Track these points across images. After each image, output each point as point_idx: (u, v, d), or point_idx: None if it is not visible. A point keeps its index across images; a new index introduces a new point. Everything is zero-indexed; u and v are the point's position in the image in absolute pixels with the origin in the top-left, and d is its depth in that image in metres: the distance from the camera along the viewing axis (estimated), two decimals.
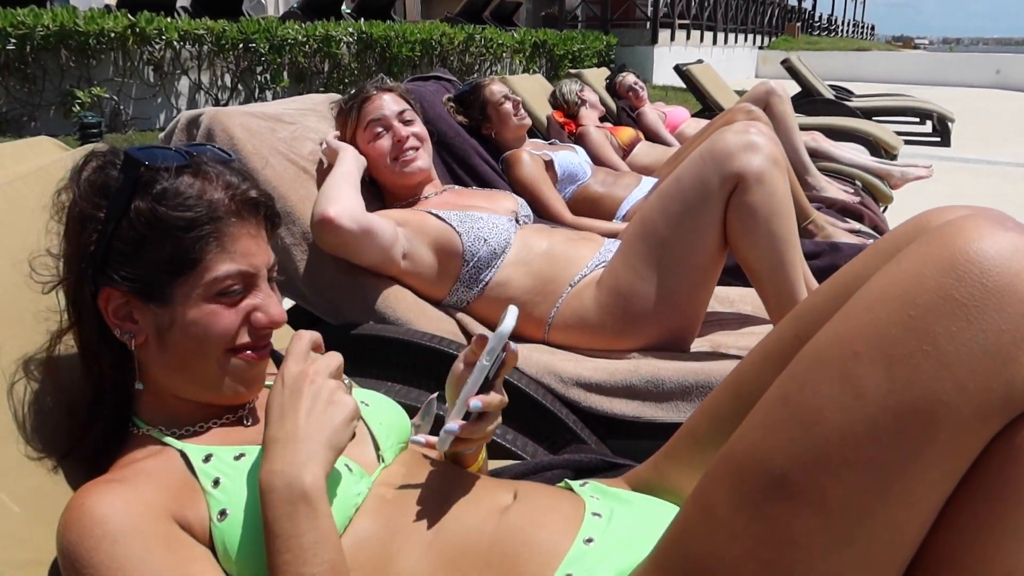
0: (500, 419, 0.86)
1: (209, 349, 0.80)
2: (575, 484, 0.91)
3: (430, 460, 0.90)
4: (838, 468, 0.57)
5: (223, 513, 0.74)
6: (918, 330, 0.57)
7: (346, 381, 0.82)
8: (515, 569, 0.76)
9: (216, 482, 0.76)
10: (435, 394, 0.88)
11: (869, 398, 0.57)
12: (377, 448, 0.89)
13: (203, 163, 0.81)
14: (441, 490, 0.83)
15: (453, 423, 0.80)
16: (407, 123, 1.75)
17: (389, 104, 1.74)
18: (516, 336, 1.60)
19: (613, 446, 1.41)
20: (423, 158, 1.75)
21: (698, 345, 1.60)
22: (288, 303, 1.63)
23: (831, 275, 0.82)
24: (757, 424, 0.63)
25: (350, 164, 1.60)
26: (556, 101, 3.44)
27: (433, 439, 0.83)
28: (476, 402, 0.79)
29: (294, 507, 0.70)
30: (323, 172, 1.69)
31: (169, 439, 0.81)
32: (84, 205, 0.78)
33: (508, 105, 2.50)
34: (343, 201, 1.46)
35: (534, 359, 1.48)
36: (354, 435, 0.79)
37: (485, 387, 0.81)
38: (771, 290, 1.49)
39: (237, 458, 0.78)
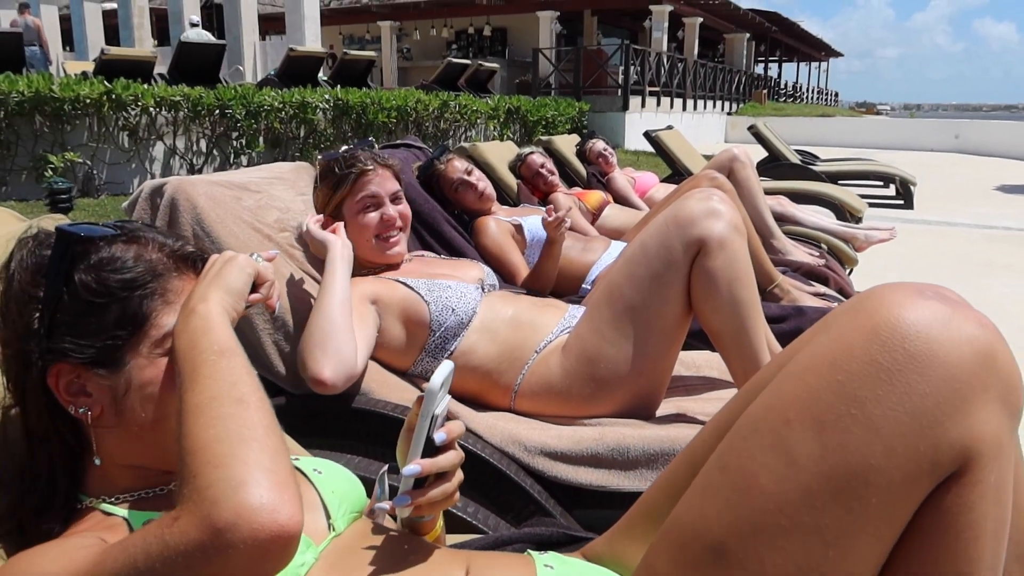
0: (460, 477, 0.83)
1: (168, 409, 0.77)
2: (535, 553, 0.89)
3: (383, 531, 0.87)
4: (774, 536, 0.58)
5: None
6: (846, 395, 0.59)
7: (253, 256, 0.89)
8: None
9: None
10: (386, 466, 0.86)
11: (801, 464, 0.58)
12: (328, 517, 0.86)
13: (135, 230, 0.83)
14: (391, 564, 0.81)
15: (404, 494, 0.78)
16: (396, 202, 1.73)
17: (385, 182, 1.70)
18: (482, 404, 1.60)
19: (579, 517, 1.38)
20: (403, 242, 1.73)
21: (664, 410, 1.60)
22: None
23: (796, 339, 0.83)
24: (697, 493, 0.64)
25: (342, 280, 1.47)
26: (516, 173, 3.50)
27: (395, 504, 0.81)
28: (413, 467, 0.77)
29: (185, 323, 0.74)
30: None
31: (112, 507, 0.79)
32: (21, 287, 0.78)
33: (463, 191, 2.53)
34: (339, 356, 1.37)
35: (499, 428, 1.46)
36: (256, 289, 0.86)
37: (430, 449, 0.78)
38: (734, 354, 1.49)
39: None
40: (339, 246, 1.54)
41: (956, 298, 0.64)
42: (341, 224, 1.62)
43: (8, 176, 6.22)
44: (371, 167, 1.69)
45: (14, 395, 0.79)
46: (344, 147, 1.73)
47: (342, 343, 1.39)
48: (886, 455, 0.56)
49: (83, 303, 0.77)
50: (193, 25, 12.41)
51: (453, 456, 0.81)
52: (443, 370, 0.78)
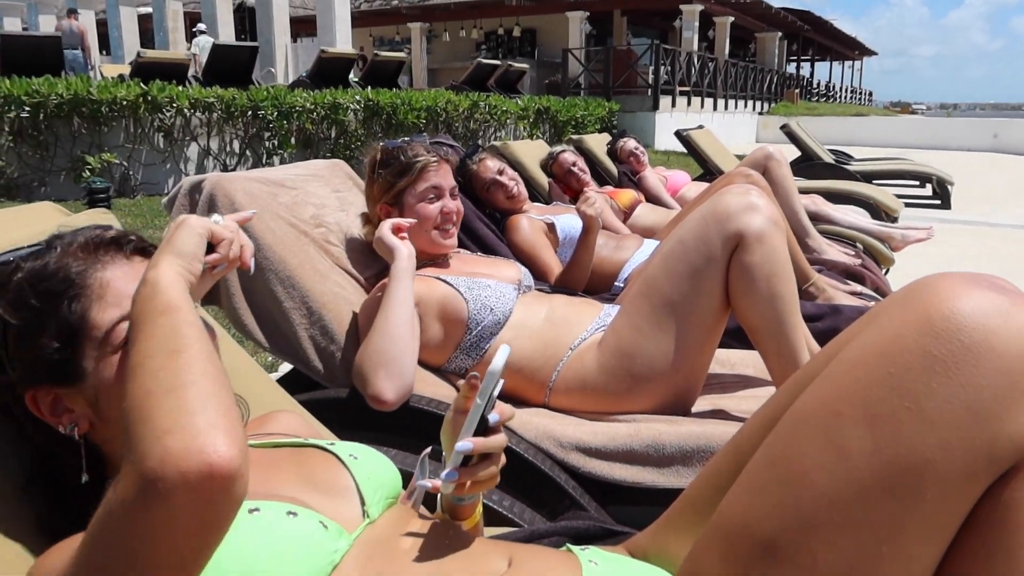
0: (503, 461, 0.84)
1: None
2: (576, 548, 0.88)
3: (420, 520, 0.87)
4: (827, 531, 0.56)
5: None
6: (899, 388, 0.57)
7: (213, 218, 0.84)
8: None
9: None
10: (428, 449, 0.86)
11: (854, 459, 0.56)
12: (363, 503, 0.85)
13: (59, 237, 0.82)
14: (431, 553, 0.80)
15: (452, 470, 0.79)
16: (454, 197, 1.76)
17: (447, 176, 1.74)
18: (517, 401, 1.60)
19: (613, 512, 1.37)
20: (455, 235, 1.76)
21: (699, 407, 1.58)
22: (286, 367, 1.62)
23: (832, 338, 0.81)
24: (745, 488, 0.62)
25: (407, 296, 1.47)
26: (548, 172, 3.50)
27: (438, 482, 0.81)
28: (466, 443, 0.77)
29: (136, 293, 0.72)
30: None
31: None
32: None
33: (495, 190, 2.55)
34: (402, 378, 1.38)
35: (533, 423, 1.46)
36: (212, 250, 0.80)
37: (482, 430, 0.79)
38: (772, 349, 1.47)
39: None
40: (405, 256, 1.53)
41: (1012, 287, 0.62)
42: (406, 233, 1.61)
43: (47, 177, 6.35)
44: (435, 159, 1.71)
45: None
46: (403, 138, 1.75)
47: (405, 365, 1.40)
48: (941, 449, 0.54)
49: (17, 328, 0.77)
50: (202, 32, 12.62)
51: (502, 438, 0.81)
52: (503, 353, 0.79)
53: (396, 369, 1.38)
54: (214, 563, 0.70)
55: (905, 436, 0.55)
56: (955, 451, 0.54)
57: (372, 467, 0.91)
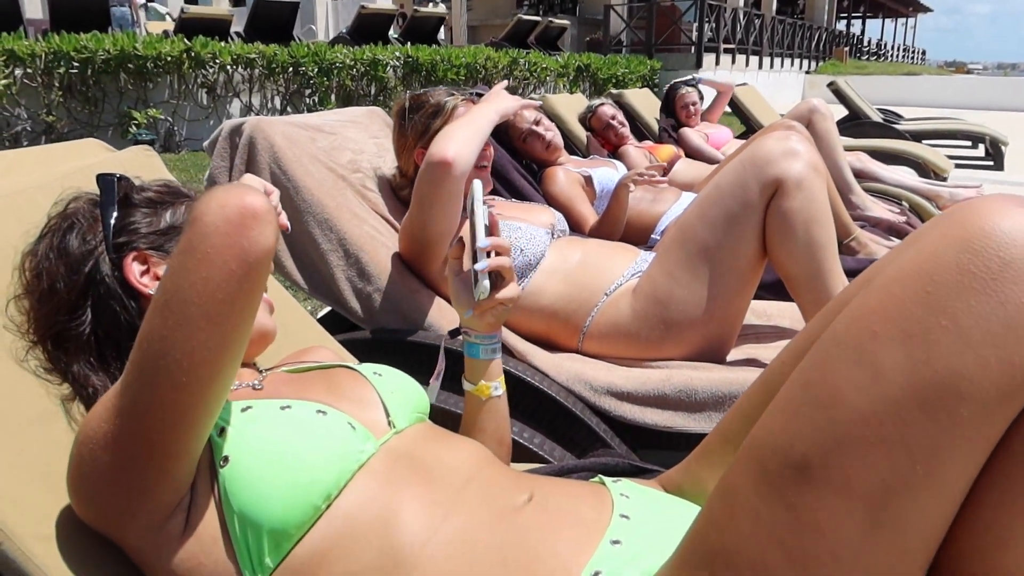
0: (513, 261, 0.97)
1: None
2: (608, 480, 0.89)
3: (448, 440, 0.89)
4: (860, 450, 0.55)
5: (226, 459, 0.75)
6: (936, 306, 0.56)
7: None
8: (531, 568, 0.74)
9: (221, 431, 0.77)
10: (446, 333, 0.91)
11: (888, 377, 0.55)
12: (388, 414, 0.89)
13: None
14: (454, 476, 0.82)
15: (479, 263, 0.91)
16: None
17: None
18: (550, 345, 1.61)
19: (643, 456, 1.39)
20: (489, 178, 1.79)
21: (734, 357, 1.58)
22: (324, 308, 1.65)
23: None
24: (778, 410, 0.62)
25: (491, 115, 1.56)
26: (586, 125, 3.46)
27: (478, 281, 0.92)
28: (485, 241, 0.92)
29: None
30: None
31: None
32: (83, 215, 0.90)
33: (531, 140, 2.54)
34: (464, 149, 1.45)
35: (565, 367, 1.47)
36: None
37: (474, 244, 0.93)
38: (809, 297, 1.46)
39: (244, 410, 0.80)
40: (507, 100, 1.61)
41: None
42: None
43: (95, 132, 6.47)
44: (463, 99, 1.74)
45: (91, 313, 0.86)
46: (425, 88, 1.75)
47: (472, 149, 1.47)
48: (978, 367, 0.53)
49: (144, 205, 0.91)
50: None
51: (507, 241, 0.96)
52: (478, 182, 0.95)
53: (463, 143, 1.45)
54: (247, 447, 0.74)
55: (941, 354, 0.54)
56: (992, 369, 0.53)
57: (395, 383, 0.95)
